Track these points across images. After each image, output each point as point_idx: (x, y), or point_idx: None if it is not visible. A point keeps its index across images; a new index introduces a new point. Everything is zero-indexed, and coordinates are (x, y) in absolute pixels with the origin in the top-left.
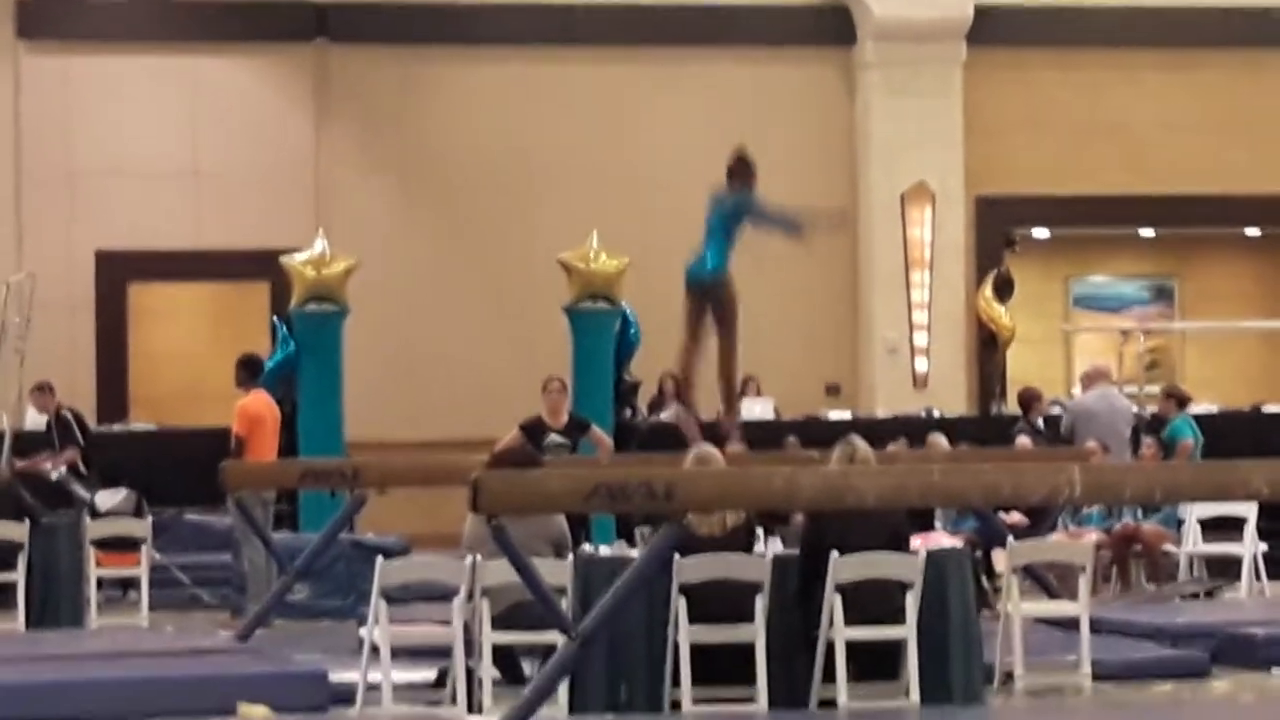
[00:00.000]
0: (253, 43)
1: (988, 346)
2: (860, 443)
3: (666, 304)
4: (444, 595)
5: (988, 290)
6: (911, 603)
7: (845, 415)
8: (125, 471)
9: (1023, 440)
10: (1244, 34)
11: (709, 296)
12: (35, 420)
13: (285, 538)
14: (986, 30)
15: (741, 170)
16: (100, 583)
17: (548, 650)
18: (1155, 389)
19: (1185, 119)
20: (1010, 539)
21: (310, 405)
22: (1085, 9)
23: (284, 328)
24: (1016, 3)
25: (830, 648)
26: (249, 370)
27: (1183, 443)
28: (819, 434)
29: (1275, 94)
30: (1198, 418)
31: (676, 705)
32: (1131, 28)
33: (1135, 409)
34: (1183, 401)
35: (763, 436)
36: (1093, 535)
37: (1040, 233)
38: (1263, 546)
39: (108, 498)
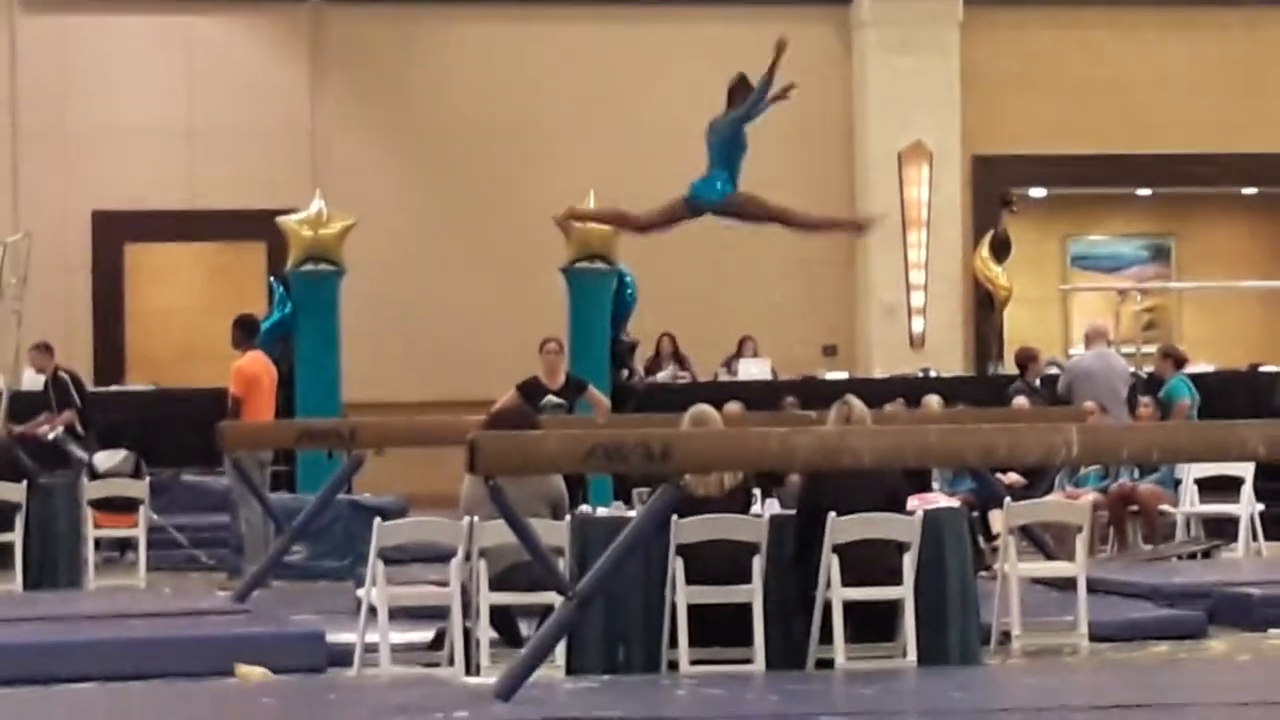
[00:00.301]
0: (248, 2)
1: (984, 307)
2: (856, 403)
3: (663, 264)
4: (441, 556)
5: (984, 250)
6: (909, 563)
7: (842, 376)
8: (122, 432)
9: (1020, 400)
10: None
11: (719, 214)
12: (33, 381)
13: (282, 498)
14: None
15: (743, 90)
16: (98, 543)
17: (545, 611)
18: (1152, 349)
19: (1183, 77)
20: (1007, 499)
21: (307, 365)
22: None
23: (281, 288)
24: None
25: (827, 608)
26: (245, 330)
27: (1179, 403)
28: (816, 394)
29: (1273, 52)
30: (1195, 377)
31: (674, 665)
32: None
33: (1132, 369)
34: (1180, 361)
35: (760, 397)
36: (1090, 496)
37: (1037, 192)
38: (1260, 506)
39: (106, 458)
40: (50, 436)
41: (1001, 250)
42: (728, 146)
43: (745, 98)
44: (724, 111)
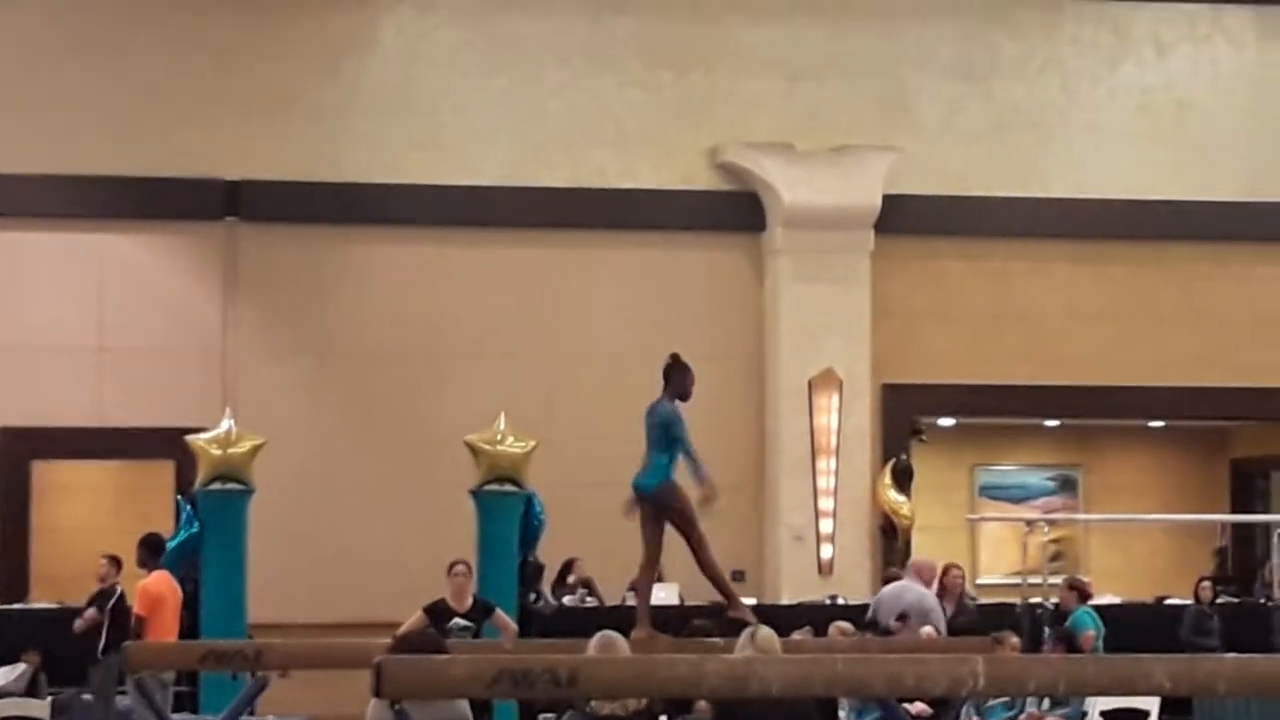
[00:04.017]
0: (163, 220)
1: (888, 535)
2: (765, 630)
3: (573, 487)
4: None
5: (886, 478)
6: None
7: (750, 602)
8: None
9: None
10: (1149, 226)
11: (657, 507)
12: None
13: (186, 719)
14: (895, 219)
15: (676, 369)
16: None
17: None
18: (1059, 580)
19: (1091, 310)
20: None
21: (213, 585)
22: (993, 199)
23: (188, 507)
24: (925, 192)
25: None
26: (150, 550)
27: (1084, 634)
28: (725, 620)
29: (1179, 286)
30: (1101, 609)
31: None
32: (1039, 219)
33: (1038, 599)
34: (1084, 594)
35: (668, 622)
36: None
37: (946, 421)
38: None
39: (4, 674)
40: None
41: (904, 479)
42: (663, 435)
43: (679, 380)
44: (663, 393)
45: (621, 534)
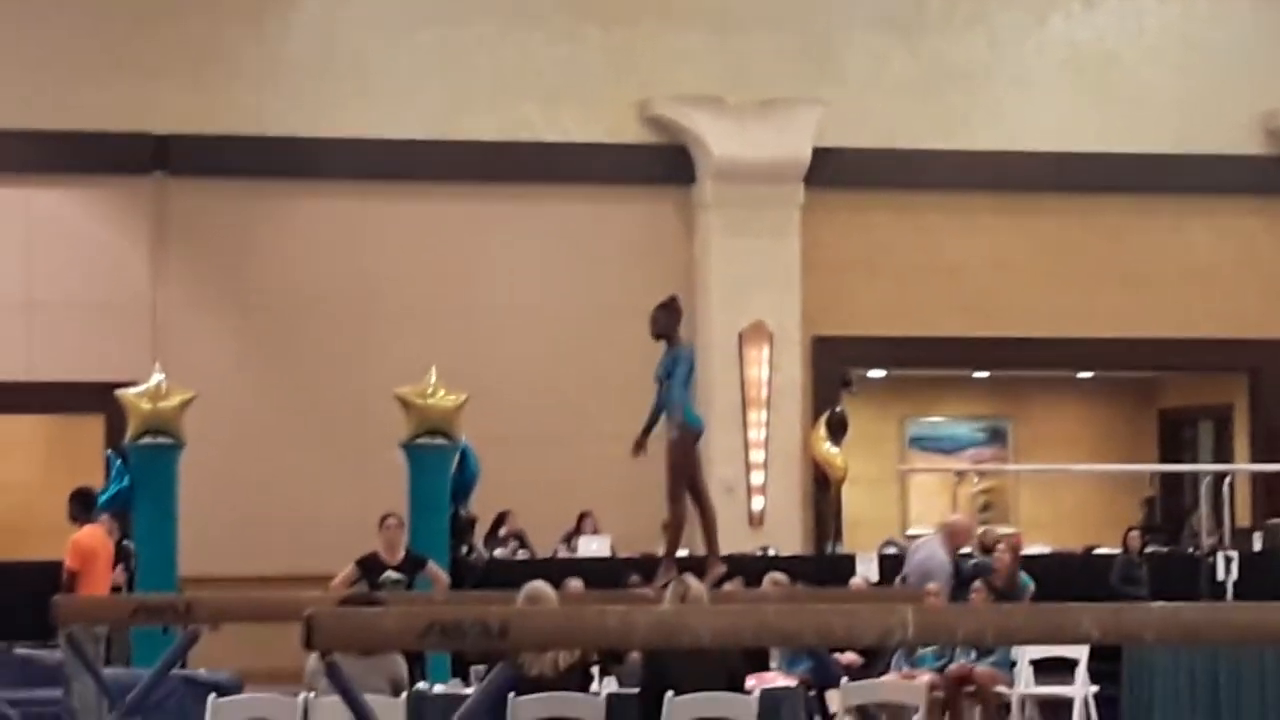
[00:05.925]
0: (91, 175)
1: (821, 486)
2: (693, 582)
3: (503, 440)
4: None
5: (821, 431)
6: None
7: (682, 553)
8: None
9: (856, 580)
10: (1077, 179)
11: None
12: None
13: (117, 673)
14: (824, 172)
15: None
16: None
17: None
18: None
19: (1019, 262)
20: (844, 679)
21: (144, 539)
22: (922, 153)
23: (119, 461)
24: (854, 145)
25: None
26: (82, 504)
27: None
28: (655, 572)
29: (1107, 238)
30: (1031, 559)
31: None
32: (967, 172)
33: (969, 550)
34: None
35: (600, 574)
36: (926, 676)
37: (876, 373)
38: (1094, 688)
39: None
40: None
41: (838, 431)
42: (676, 376)
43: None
44: (668, 342)
45: (552, 487)
